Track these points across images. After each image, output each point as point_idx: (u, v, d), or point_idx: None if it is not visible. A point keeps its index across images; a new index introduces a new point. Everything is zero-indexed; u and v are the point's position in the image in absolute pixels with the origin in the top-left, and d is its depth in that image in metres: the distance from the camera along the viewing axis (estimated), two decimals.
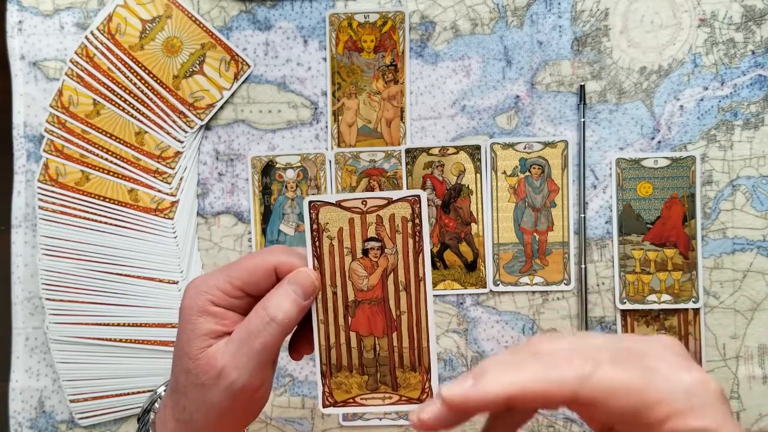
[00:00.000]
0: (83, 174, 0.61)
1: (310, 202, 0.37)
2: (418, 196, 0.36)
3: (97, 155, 0.61)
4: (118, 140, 0.61)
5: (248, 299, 0.38)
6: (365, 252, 0.37)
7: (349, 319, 0.37)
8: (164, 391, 0.42)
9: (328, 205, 0.36)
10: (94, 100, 0.61)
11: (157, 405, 0.42)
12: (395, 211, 0.36)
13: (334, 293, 0.37)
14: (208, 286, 0.37)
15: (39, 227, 0.61)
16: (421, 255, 0.37)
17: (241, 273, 0.37)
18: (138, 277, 0.61)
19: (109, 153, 0.61)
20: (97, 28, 0.61)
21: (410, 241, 0.36)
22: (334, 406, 0.38)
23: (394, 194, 0.36)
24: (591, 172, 0.61)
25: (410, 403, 0.38)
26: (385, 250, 0.37)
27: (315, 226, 0.37)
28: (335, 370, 0.38)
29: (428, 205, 0.61)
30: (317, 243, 0.37)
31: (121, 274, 0.61)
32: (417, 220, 0.36)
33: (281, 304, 0.36)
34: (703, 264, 0.60)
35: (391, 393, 0.38)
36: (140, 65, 0.61)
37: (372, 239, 0.37)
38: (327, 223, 0.37)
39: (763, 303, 0.60)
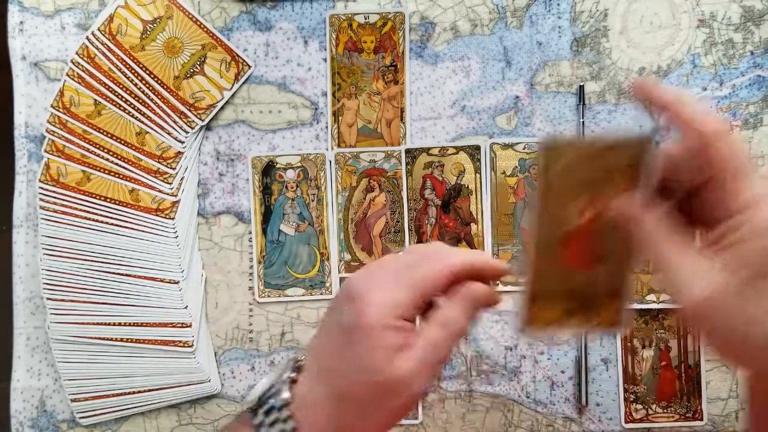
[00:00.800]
0: (84, 174, 0.61)
1: (543, 145, 0.37)
2: (645, 140, 0.38)
3: (98, 155, 0.61)
4: (119, 140, 0.62)
5: (425, 306, 0.39)
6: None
7: (561, 249, 0.39)
8: (288, 378, 0.39)
9: (567, 146, 0.37)
10: (95, 100, 0.62)
11: (284, 396, 0.39)
12: (617, 157, 0.37)
13: (552, 223, 0.38)
14: (393, 301, 0.37)
15: (40, 227, 0.61)
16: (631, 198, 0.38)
17: (425, 284, 0.38)
18: (139, 277, 0.61)
19: (110, 153, 0.62)
20: (98, 29, 0.62)
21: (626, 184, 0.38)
22: (537, 329, 0.40)
23: (618, 140, 0.37)
24: None
25: (606, 326, 0.40)
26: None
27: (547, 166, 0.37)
28: (541, 295, 0.40)
29: (428, 205, 0.62)
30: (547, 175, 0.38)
31: (122, 274, 0.61)
32: (637, 165, 0.37)
33: (459, 319, 0.38)
34: None
35: (591, 316, 0.40)
36: (141, 66, 0.62)
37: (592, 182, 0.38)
38: (560, 158, 0.37)
39: None
